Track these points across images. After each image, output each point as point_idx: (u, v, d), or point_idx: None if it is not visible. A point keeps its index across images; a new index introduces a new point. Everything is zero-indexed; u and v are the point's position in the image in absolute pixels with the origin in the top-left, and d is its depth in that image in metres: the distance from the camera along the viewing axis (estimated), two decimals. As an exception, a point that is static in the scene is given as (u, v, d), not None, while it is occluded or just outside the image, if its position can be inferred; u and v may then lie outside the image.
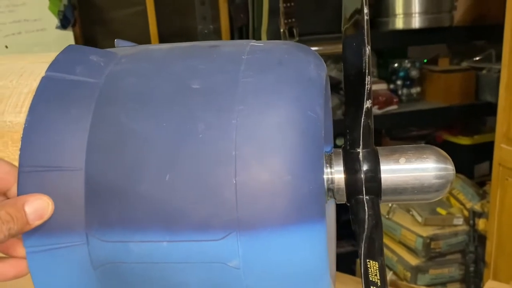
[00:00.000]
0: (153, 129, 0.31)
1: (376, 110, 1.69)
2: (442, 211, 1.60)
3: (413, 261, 1.55)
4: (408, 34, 1.60)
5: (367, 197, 0.38)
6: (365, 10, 0.35)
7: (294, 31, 1.51)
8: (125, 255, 0.31)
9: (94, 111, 0.33)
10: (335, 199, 0.40)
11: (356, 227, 0.38)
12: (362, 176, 0.38)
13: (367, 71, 0.36)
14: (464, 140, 1.88)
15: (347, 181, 0.39)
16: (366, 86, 0.36)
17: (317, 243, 0.31)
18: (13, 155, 0.31)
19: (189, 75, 0.33)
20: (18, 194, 0.31)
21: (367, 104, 0.37)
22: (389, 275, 1.55)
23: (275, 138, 0.31)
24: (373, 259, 0.36)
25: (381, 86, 1.76)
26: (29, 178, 0.31)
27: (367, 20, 0.35)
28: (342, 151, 0.40)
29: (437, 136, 1.96)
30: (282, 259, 0.30)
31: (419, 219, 1.58)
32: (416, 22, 1.57)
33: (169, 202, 0.30)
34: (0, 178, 0.31)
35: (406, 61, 1.79)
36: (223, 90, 0.32)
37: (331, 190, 0.40)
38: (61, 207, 0.31)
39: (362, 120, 0.38)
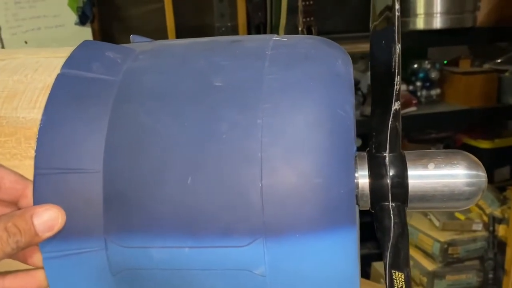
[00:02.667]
0: (174, 129, 0.30)
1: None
2: (461, 216, 1.57)
3: (429, 266, 1.52)
4: (429, 34, 1.56)
5: (393, 204, 0.36)
6: (397, 7, 0.33)
7: (313, 29, 1.49)
8: (145, 261, 0.30)
9: (112, 110, 0.31)
10: (358, 205, 0.39)
11: (381, 235, 0.36)
12: (389, 181, 0.36)
13: (396, 70, 0.34)
14: (484, 144, 1.84)
15: (372, 187, 0.37)
16: (395, 87, 0.34)
17: (348, 250, 0.29)
18: (25, 152, 0.30)
19: (211, 71, 0.32)
20: (34, 198, 0.30)
21: (396, 105, 0.36)
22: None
23: (304, 139, 0.29)
24: (399, 270, 0.34)
25: (399, 87, 1.72)
26: (45, 181, 0.30)
27: (398, 16, 0.33)
28: (367, 155, 0.38)
29: (456, 139, 1.93)
30: (310, 266, 0.29)
31: (437, 223, 1.54)
32: (437, 23, 1.54)
33: (191, 206, 0.29)
34: (7, 188, 0.30)
35: (426, 62, 1.76)
36: (247, 88, 0.31)
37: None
38: (79, 211, 0.30)
39: (390, 123, 0.36)
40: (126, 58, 0.34)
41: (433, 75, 1.75)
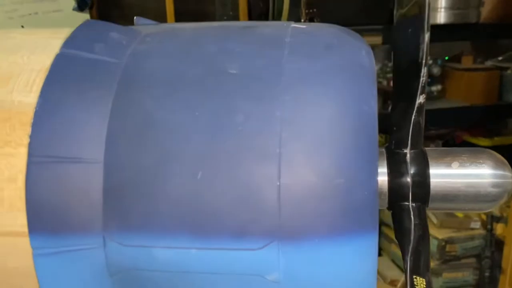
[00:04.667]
0: (183, 119, 0.27)
1: (395, 107, 1.64)
2: (459, 214, 1.56)
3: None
4: (432, 29, 1.54)
5: (413, 204, 0.34)
6: (428, -8, 0.30)
7: (315, 21, 1.46)
8: (147, 262, 0.27)
9: (116, 95, 0.29)
10: (376, 204, 0.36)
11: (400, 237, 0.34)
12: (409, 180, 0.34)
13: (424, 61, 0.32)
14: (483, 142, 1.82)
15: (391, 185, 0.34)
16: (421, 79, 0.32)
17: (368, 257, 0.27)
18: (20, 139, 0.28)
19: (224, 58, 0.29)
20: (26, 188, 0.27)
21: (420, 99, 0.33)
22: (404, 277, 1.51)
23: (326, 135, 0.27)
24: (420, 275, 0.32)
25: (401, 82, 1.70)
26: (40, 169, 0.27)
27: (429, 3, 0.30)
28: (385, 151, 0.36)
29: (456, 136, 1.91)
30: (328, 273, 0.26)
31: (435, 220, 1.53)
32: (441, 17, 1.52)
33: (200, 204, 0.26)
34: None
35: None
36: (265, 77, 0.28)
37: None
38: (76, 204, 0.27)
39: (413, 117, 0.34)
40: (131, 40, 0.32)
41: (435, 71, 1.73)
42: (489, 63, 1.78)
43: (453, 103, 1.72)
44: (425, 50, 0.31)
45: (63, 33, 0.31)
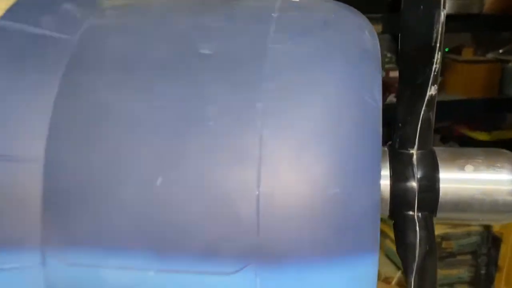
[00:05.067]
0: (141, 110, 0.22)
1: (393, 99, 1.60)
2: (456, 210, 1.52)
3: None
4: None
5: (420, 213, 0.29)
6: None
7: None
8: (95, 285, 0.22)
9: (63, 79, 0.23)
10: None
11: (403, 252, 0.29)
12: (415, 185, 0.29)
13: (438, 45, 0.26)
14: (482, 136, 1.78)
15: (394, 191, 0.30)
16: (434, 66, 0.27)
17: (367, 282, 0.22)
18: None
19: (197, 35, 0.24)
20: None
21: (432, 90, 0.28)
22: (398, 274, 1.47)
23: (319, 133, 0.22)
24: (426, 298, 0.27)
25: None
26: None
27: (446, -27, 0.25)
28: (388, 150, 0.31)
29: (454, 129, 1.87)
30: None
31: (431, 216, 1.49)
32: (443, 7, 1.46)
33: (160, 216, 0.21)
34: None
35: (428, 48, 1.68)
36: (244, 59, 0.23)
37: None
38: (8, 212, 0.22)
39: (422, 112, 0.29)
40: (88, 13, 0.26)
41: (434, 62, 1.68)
42: (490, 56, 1.74)
43: (453, 96, 1.67)
44: (440, 31, 0.26)
45: (4, 2, 0.26)
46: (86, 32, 0.25)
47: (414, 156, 0.30)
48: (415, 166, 0.29)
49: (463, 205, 0.30)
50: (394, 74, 1.67)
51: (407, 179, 0.29)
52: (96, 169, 0.22)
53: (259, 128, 0.21)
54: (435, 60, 0.27)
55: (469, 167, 0.30)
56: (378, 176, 0.23)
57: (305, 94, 0.22)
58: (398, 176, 0.30)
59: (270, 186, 0.21)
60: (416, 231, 0.29)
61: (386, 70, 1.67)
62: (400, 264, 1.49)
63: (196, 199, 0.21)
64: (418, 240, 0.29)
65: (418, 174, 0.29)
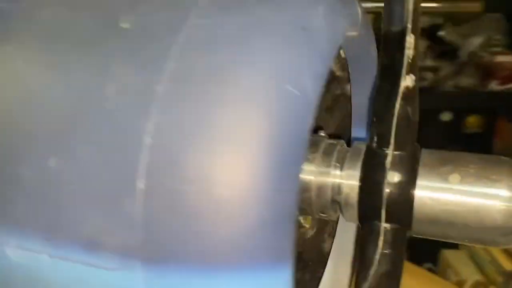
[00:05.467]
0: (47, 85, 0.21)
1: (495, 86, 1.44)
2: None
3: (508, 266, 1.33)
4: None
5: (387, 225, 0.25)
6: None
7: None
8: (1, 261, 0.22)
9: None
10: (343, 216, 0.28)
11: (359, 266, 0.25)
12: (385, 191, 0.25)
13: (408, 25, 0.22)
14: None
15: (361, 195, 0.26)
16: (405, 51, 0.22)
17: None
18: None
19: (121, 6, 0.22)
20: None
21: (408, 81, 0.23)
22: (476, 276, 1.35)
23: (219, 123, 0.19)
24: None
25: (508, 58, 1.49)
26: None
27: None
28: (365, 149, 0.27)
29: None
30: None
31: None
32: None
33: (53, 199, 0.20)
34: None
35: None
36: (159, 35, 0.21)
37: (336, 203, 0.27)
38: None
39: (398, 106, 0.24)
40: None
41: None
42: None
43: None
44: (409, 9, 0.21)
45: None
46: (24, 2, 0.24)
47: (389, 158, 0.25)
48: (388, 170, 0.25)
49: (443, 221, 0.25)
50: (503, 58, 1.50)
51: (376, 183, 0.25)
52: (-2, 144, 0.21)
53: (154, 114, 0.19)
54: (406, 44, 0.22)
55: (454, 177, 0.25)
56: (296, 177, 0.20)
57: (207, 80, 0.19)
58: (367, 179, 0.26)
59: (156, 180, 0.19)
60: (377, 245, 0.25)
61: (491, 54, 1.50)
62: (481, 265, 1.37)
63: (84, 185, 0.20)
64: (377, 257, 0.24)
65: (390, 178, 0.25)
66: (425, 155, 0.26)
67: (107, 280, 0.20)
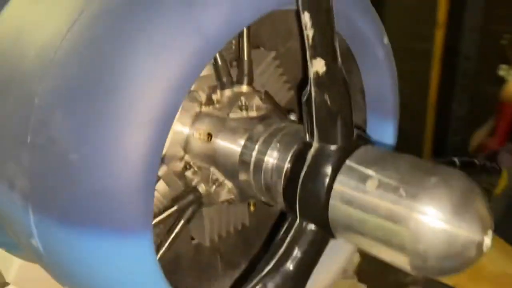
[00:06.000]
0: None
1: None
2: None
3: None
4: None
5: (304, 222, 0.23)
6: None
7: None
8: None
9: None
10: (276, 204, 0.26)
11: (265, 258, 0.23)
12: (299, 184, 0.23)
13: (300, 4, 0.19)
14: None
15: (285, 183, 0.24)
16: (305, 32, 0.20)
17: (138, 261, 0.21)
18: None
19: None
20: None
21: (316, 66, 0.21)
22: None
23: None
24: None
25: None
26: None
27: None
28: (304, 136, 0.24)
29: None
30: (93, 262, 0.22)
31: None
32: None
33: None
34: None
35: None
36: None
37: (269, 189, 0.25)
38: None
39: (313, 93, 0.22)
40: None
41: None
42: None
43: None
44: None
45: None
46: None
47: (312, 149, 0.23)
48: (308, 161, 0.23)
49: (355, 227, 0.22)
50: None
51: (295, 174, 0.23)
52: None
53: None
54: (303, 24, 0.20)
55: (372, 182, 0.21)
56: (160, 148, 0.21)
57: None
58: (292, 171, 0.24)
59: (42, 137, 0.22)
60: (286, 237, 0.23)
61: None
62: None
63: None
64: (281, 251, 0.23)
65: (307, 170, 0.23)
66: (364, 152, 0.22)
67: (20, 217, 0.23)
